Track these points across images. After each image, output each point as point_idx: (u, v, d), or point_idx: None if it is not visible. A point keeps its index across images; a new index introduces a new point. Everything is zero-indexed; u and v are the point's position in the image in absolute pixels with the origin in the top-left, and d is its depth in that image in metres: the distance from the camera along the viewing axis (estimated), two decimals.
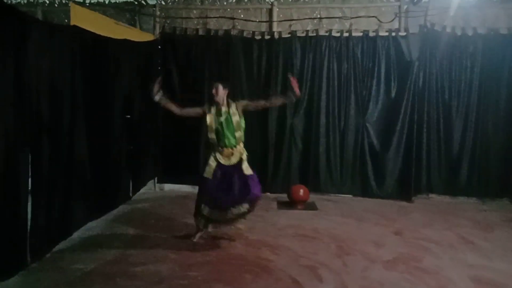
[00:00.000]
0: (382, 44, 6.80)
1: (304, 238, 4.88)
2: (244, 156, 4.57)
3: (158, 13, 7.26)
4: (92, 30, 4.73)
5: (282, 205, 6.35)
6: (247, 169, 4.51)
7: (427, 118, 6.79)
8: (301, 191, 6.31)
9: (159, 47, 7.10)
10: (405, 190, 6.75)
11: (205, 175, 4.58)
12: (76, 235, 4.58)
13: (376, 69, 6.85)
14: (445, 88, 6.77)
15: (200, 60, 7.07)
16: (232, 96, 6.78)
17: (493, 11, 6.78)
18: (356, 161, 6.98)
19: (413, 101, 6.71)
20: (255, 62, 7.06)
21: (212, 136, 4.53)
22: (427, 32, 6.70)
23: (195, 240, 4.70)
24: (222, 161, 4.54)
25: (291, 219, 5.63)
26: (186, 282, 3.67)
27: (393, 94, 6.86)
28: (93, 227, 4.97)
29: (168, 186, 7.38)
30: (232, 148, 4.53)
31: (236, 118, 4.49)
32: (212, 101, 4.56)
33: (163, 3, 7.34)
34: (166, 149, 7.20)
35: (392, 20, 6.85)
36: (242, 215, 4.56)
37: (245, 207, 4.45)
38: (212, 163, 4.57)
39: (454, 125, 6.78)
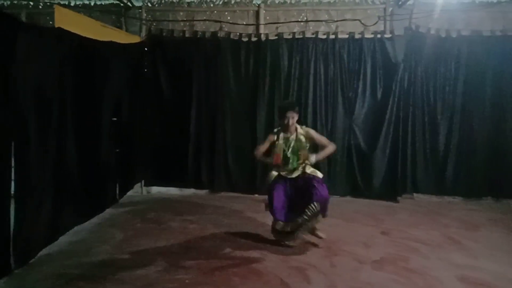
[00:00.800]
0: (368, 46, 6.85)
1: None
2: (308, 167, 4.62)
3: (144, 15, 7.23)
4: (77, 32, 4.66)
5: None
6: (312, 172, 4.58)
7: (413, 118, 6.86)
8: None
9: (146, 49, 7.06)
10: (391, 190, 6.81)
11: (268, 183, 4.71)
12: (63, 239, 4.50)
13: (362, 70, 6.89)
14: (430, 89, 6.86)
15: (188, 62, 7.03)
16: (222, 101, 6.92)
17: (478, 14, 6.88)
18: (343, 161, 7.01)
19: (399, 102, 6.78)
20: (243, 64, 7.05)
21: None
22: (412, 34, 6.79)
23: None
24: (285, 174, 4.63)
25: None
26: (174, 285, 3.64)
27: (379, 95, 6.91)
28: (79, 231, 4.90)
29: (155, 189, 7.32)
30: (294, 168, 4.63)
31: (302, 139, 4.56)
32: (284, 128, 4.57)
33: (149, 5, 7.30)
34: (154, 151, 7.14)
35: (376, 22, 6.90)
36: (312, 217, 4.43)
37: (311, 209, 4.37)
38: (275, 172, 4.68)
39: (439, 125, 6.87)
